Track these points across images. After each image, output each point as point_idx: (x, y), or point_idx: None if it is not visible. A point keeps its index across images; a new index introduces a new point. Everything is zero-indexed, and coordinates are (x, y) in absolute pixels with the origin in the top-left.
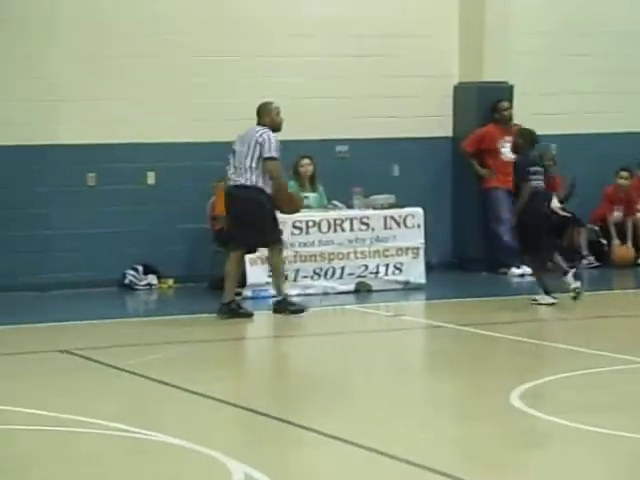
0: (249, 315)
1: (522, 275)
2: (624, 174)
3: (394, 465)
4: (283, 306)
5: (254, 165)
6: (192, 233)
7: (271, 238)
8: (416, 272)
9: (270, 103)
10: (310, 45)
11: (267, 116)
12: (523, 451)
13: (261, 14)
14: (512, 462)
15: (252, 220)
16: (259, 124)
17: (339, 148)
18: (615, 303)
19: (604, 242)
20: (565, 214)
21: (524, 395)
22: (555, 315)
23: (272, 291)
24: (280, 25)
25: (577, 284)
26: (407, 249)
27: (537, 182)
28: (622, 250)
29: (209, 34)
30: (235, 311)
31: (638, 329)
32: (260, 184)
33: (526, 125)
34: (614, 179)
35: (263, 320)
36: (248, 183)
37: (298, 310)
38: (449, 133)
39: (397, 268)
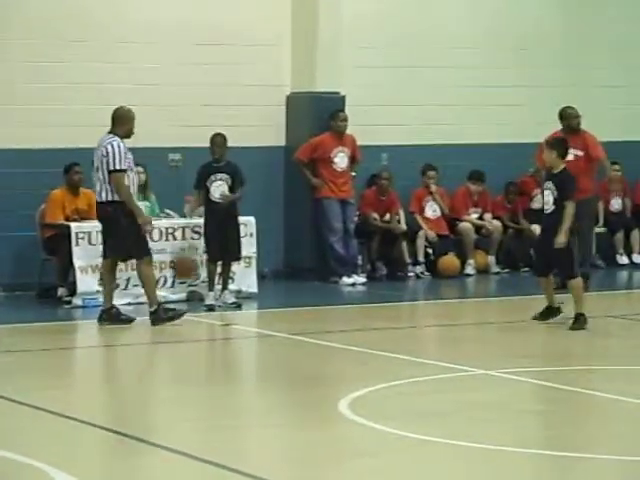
0: (130, 321)
1: (353, 284)
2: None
3: (224, 475)
4: (157, 316)
5: (103, 178)
6: (20, 240)
7: (134, 252)
8: (248, 281)
9: (129, 111)
10: (148, 52)
11: (124, 125)
12: (350, 459)
13: (105, 20)
14: (339, 470)
15: (111, 234)
16: (110, 132)
17: (172, 156)
18: (442, 312)
19: (431, 252)
20: (398, 226)
21: (353, 403)
22: (385, 324)
23: (102, 299)
24: (121, 32)
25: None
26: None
27: None
28: (448, 260)
29: (50, 38)
30: (116, 317)
31: (463, 338)
32: (112, 197)
33: (358, 135)
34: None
35: (92, 330)
36: (100, 199)
37: (174, 316)
38: (282, 142)
39: (229, 277)
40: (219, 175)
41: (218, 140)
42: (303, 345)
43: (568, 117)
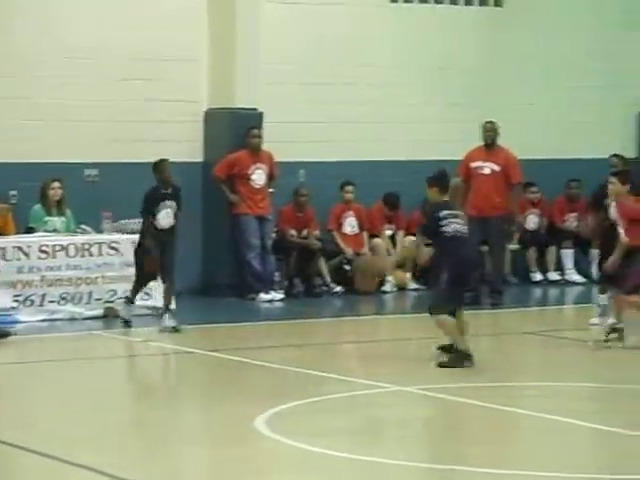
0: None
1: (270, 301)
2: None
3: None
4: None
5: None
6: None
7: None
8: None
9: None
10: (66, 68)
11: None
12: (267, 476)
13: (26, 37)
14: None
15: None
16: None
17: (88, 172)
18: (359, 329)
19: (349, 268)
20: (315, 242)
21: (269, 420)
22: (302, 341)
23: (19, 316)
24: (42, 48)
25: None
26: None
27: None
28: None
29: None
30: None
31: (380, 354)
32: None
33: (276, 152)
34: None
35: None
36: None
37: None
38: (200, 158)
39: (146, 294)
40: (167, 202)
41: (166, 165)
42: (220, 362)
43: (482, 131)
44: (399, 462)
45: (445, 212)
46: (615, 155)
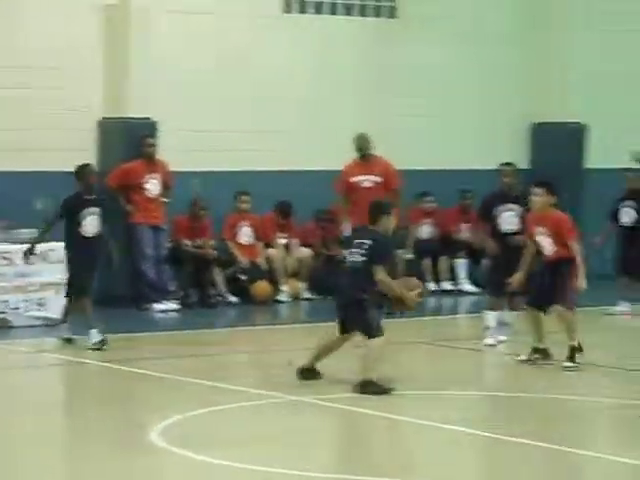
0: None
1: (165, 311)
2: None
3: None
4: None
5: None
6: None
7: None
8: (57, 308)
9: None
10: None
11: None
12: None
13: None
14: None
15: None
16: None
17: None
18: (254, 339)
19: (244, 278)
20: (210, 252)
21: (164, 431)
22: (197, 351)
23: None
24: None
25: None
26: (49, 285)
27: None
28: (260, 286)
29: None
30: None
31: (274, 364)
32: None
33: (172, 161)
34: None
35: None
36: None
37: None
38: None
39: (39, 304)
40: (91, 209)
41: (90, 170)
42: (114, 372)
43: (357, 143)
44: (293, 472)
45: None
46: (507, 163)
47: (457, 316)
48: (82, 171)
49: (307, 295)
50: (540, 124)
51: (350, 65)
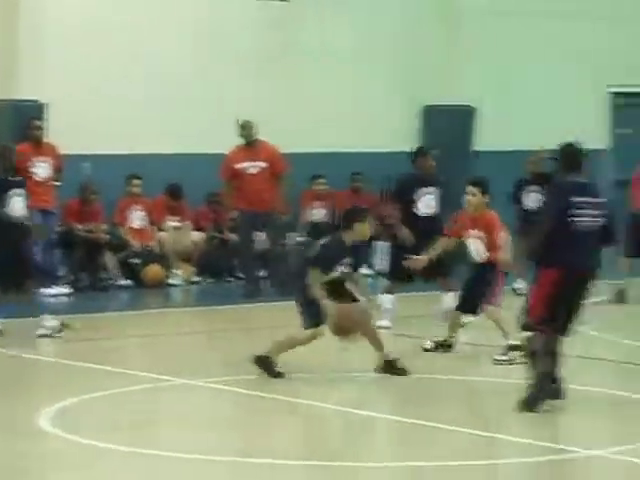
0: None
1: (55, 295)
2: None
3: None
4: None
5: None
6: None
7: None
8: None
9: None
10: None
11: None
12: (52, 473)
13: None
14: None
15: None
16: None
17: None
18: (146, 323)
19: (137, 262)
20: (102, 236)
21: (54, 416)
22: (89, 335)
23: None
24: None
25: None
26: None
27: None
28: (152, 270)
29: None
30: None
31: (167, 348)
32: None
33: (62, 144)
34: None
35: None
36: None
37: None
38: None
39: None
40: (17, 190)
41: (12, 151)
42: (3, 357)
43: (241, 129)
44: (182, 455)
45: None
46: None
47: None
48: (4, 151)
49: (196, 278)
50: (430, 107)
51: (239, 48)
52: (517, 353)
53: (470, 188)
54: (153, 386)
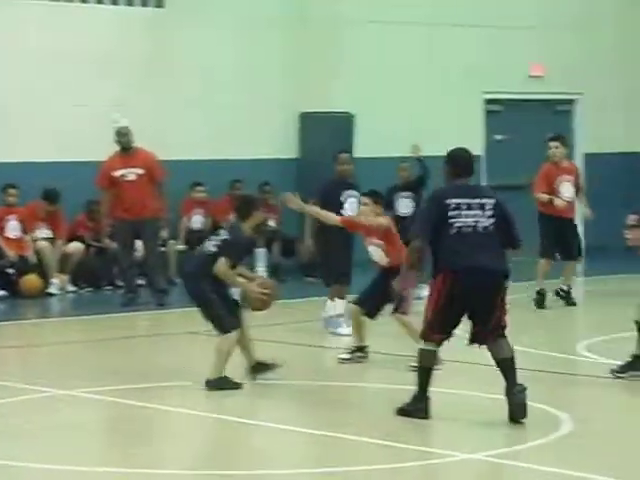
0: None
1: None
2: None
3: None
4: None
5: None
6: None
7: None
8: None
9: None
10: None
11: None
12: None
13: None
14: None
15: None
16: None
17: None
18: (23, 333)
19: (11, 272)
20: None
21: None
22: None
23: None
24: None
25: None
26: None
27: None
28: (29, 280)
29: None
30: None
31: (45, 358)
32: None
33: None
34: None
35: None
36: None
37: None
38: None
39: None
40: None
41: None
42: None
43: (118, 135)
44: (54, 467)
45: None
46: (344, 151)
47: None
48: None
49: (73, 288)
50: (308, 113)
51: (117, 54)
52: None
53: (363, 199)
54: (28, 397)
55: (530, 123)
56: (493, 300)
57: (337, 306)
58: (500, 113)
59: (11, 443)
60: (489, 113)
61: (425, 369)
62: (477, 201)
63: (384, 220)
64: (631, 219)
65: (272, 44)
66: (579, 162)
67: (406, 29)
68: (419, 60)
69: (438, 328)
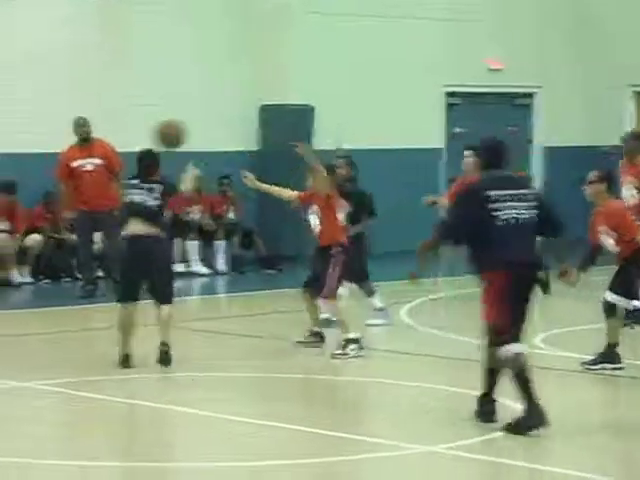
0: None
1: None
2: None
3: None
4: None
5: None
6: None
7: None
8: None
9: None
10: None
11: None
12: None
13: None
14: None
15: None
16: None
17: None
18: None
19: None
20: None
21: None
22: None
23: None
24: None
25: None
26: None
27: None
28: None
29: None
30: None
31: (4, 350)
32: None
33: None
34: None
35: None
36: None
37: None
38: None
39: None
40: None
41: None
42: None
43: (75, 126)
44: (19, 459)
45: None
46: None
47: (190, 298)
48: None
49: (31, 280)
50: (268, 106)
51: (74, 45)
52: (354, 347)
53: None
54: None
55: (490, 116)
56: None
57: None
58: (460, 106)
59: None
60: (449, 106)
61: (521, 374)
62: (520, 192)
63: (330, 191)
64: (592, 175)
65: (229, 36)
66: (538, 155)
67: (365, 21)
68: (380, 53)
69: (513, 328)
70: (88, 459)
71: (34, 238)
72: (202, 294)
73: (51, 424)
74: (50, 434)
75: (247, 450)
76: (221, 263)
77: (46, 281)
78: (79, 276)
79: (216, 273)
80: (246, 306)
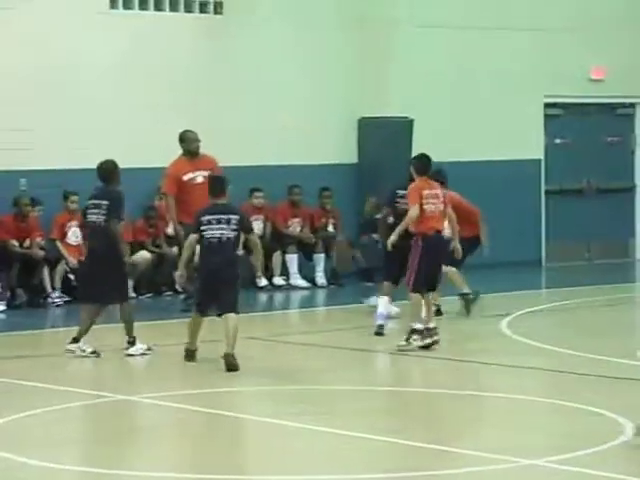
0: None
1: None
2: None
3: None
4: None
5: None
6: None
7: None
8: None
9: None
10: None
11: None
12: None
13: None
14: None
15: None
16: None
17: None
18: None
19: (72, 278)
20: (38, 252)
21: None
22: (26, 352)
23: None
24: None
25: None
26: None
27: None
28: None
29: None
30: None
31: (106, 364)
32: None
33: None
34: None
35: None
36: None
37: None
38: None
39: None
40: None
41: None
42: None
43: (187, 140)
44: (138, 473)
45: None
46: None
47: (289, 311)
48: None
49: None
50: (367, 118)
51: (178, 62)
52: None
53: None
54: (94, 402)
55: (591, 127)
56: None
57: (381, 302)
58: (560, 117)
59: (75, 447)
60: (548, 117)
61: None
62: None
63: None
64: None
65: (330, 51)
66: None
67: (466, 34)
68: (479, 64)
69: None
70: (205, 472)
71: (142, 255)
72: (300, 307)
73: (161, 437)
74: (166, 448)
75: (352, 463)
76: (320, 276)
77: (148, 295)
78: (180, 290)
79: (315, 286)
80: (345, 319)
